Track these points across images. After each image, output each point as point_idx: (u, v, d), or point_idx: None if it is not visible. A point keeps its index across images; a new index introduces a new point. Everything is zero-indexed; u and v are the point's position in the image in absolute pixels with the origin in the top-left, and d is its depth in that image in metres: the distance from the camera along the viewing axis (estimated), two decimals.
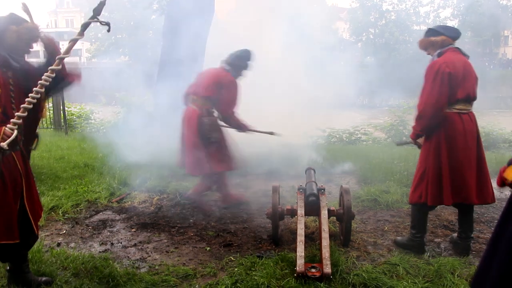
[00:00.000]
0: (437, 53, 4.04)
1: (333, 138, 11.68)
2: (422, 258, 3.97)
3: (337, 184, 6.28)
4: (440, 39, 4.03)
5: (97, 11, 2.97)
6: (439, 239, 4.52)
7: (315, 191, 4.23)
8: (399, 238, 4.41)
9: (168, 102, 8.42)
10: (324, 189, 4.29)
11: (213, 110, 5.36)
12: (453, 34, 4.05)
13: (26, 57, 3.14)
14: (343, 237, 4.32)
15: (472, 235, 4.21)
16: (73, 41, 3.03)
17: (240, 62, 5.38)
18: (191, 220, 5.03)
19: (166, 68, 8.71)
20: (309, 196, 4.18)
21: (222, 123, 5.43)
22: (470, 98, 3.99)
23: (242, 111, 5.56)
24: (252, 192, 6.10)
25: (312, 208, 4.17)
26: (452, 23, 33.19)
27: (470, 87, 3.95)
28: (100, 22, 2.97)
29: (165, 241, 4.46)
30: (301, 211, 4.06)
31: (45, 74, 2.89)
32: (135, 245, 4.35)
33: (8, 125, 2.81)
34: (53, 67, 2.91)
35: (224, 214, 5.26)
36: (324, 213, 4.03)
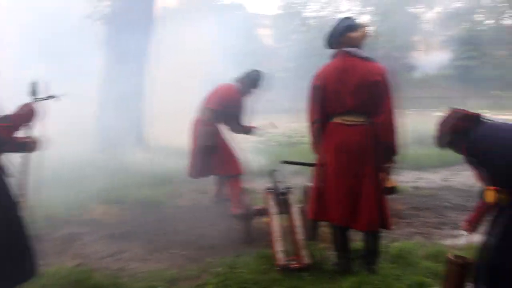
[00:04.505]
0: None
1: (273, 142, 12.02)
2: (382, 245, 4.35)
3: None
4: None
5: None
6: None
7: (284, 190, 4.50)
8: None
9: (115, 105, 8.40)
10: (291, 188, 4.57)
11: (215, 121, 5.59)
12: (327, 40, 3.65)
13: None
14: (309, 231, 4.60)
15: (374, 266, 3.69)
16: None
17: (250, 81, 5.66)
18: (160, 228, 5.13)
19: (111, 74, 8.69)
20: (279, 195, 4.43)
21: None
22: (353, 110, 3.49)
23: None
24: (211, 196, 6.27)
25: (282, 206, 4.43)
26: (370, 29, 35.00)
27: (344, 98, 3.47)
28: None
29: (139, 249, 4.53)
30: (273, 209, 4.32)
31: None
32: (110, 255, 4.39)
33: None
34: None
35: (189, 219, 5.41)
36: (295, 210, 4.31)
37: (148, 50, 9.54)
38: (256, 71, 5.77)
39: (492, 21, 36.21)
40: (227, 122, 5.76)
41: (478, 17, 36.33)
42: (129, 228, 5.17)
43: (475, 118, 2.79)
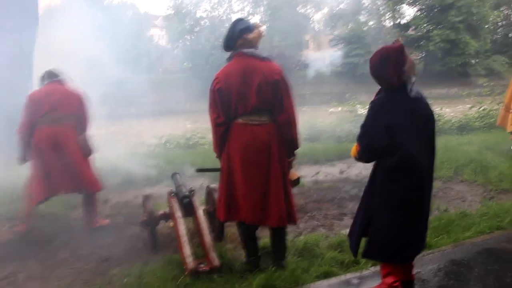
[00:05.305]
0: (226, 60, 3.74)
1: (171, 144, 11.83)
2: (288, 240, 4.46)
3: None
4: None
5: None
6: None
7: (188, 193, 4.44)
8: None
9: None
10: (194, 191, 4.53)
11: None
12: (223, 42, 3.71)
13: None
14: (216, 232, 4.59)
15: (283, 261, 3.82)
16: None
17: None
18: (58, 242, 4.78)
19: None
20: (183, 199, 4.36)
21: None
22: (258, 110, 3.54)
23: None
24: (112, 205, 6.01)
25: (187, 210, 4.37)
26: (262, 28, 36.13)
27: (248, 99, 3.50)
28: None
29: (37, 267, 4.19)
30: (178, 213, 4.24)
31: None
32: (3, 278, 4.00)
33: None
34: None
35: (90, 230, 5.10)
36: (200, 212, 4.28)
37: (32, 52, 8.88)
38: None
39: (373, 22, 38.97)
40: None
41: (361, 18, 38.85)
42: (23, 245, 4.76)
43: (399, 86, 2.93)
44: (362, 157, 3.11)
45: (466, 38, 33.96)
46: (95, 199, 5.23)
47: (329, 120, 12.33)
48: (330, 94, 27.79)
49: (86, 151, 5.11)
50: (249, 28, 3.65)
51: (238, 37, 3.59)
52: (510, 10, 41.22)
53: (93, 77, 9.95)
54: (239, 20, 3.74)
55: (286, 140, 3.66)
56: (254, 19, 35.50)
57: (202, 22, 35.23)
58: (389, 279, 3.13)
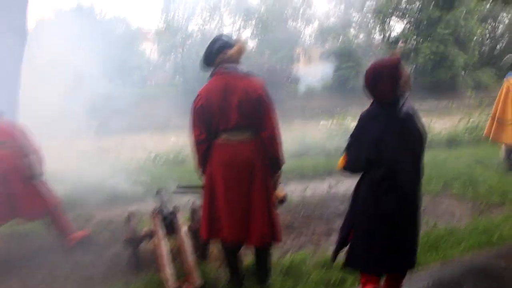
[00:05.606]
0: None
1: (160, 159, 11.67)
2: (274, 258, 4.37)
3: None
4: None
5: None
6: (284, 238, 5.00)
7: (171, 211, 4.35)
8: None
9: None
10: (178, 208, 4.43)
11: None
12: (203, 59, 3.67)
13: None
14: (200, 251, 4.49)
15: (267, 281, 3.78)
16: None
17: None
18: (39, 260, 4.66)
19: None
20: (166, 217, 4.27)
21: None
22: (240, 127, 3.48)
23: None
24: (96, 222, 5.88)
25: (171, 227, 4.27)
26: (253, 42, 36.65)
27: (229, 116, 3.44)
28: None
29: (16, 287, 4.07)
30: (162, 231, 4.14)
31: None
32: None
33: None
34: None
35: (72, 248, 4.96)
36: (184, 230, 4.18)
37: (19, 70, 8.77)
38: None
39: (363, 36, 39.35)
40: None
41: (351, 32, 39.23)
42: (3, 263, 4.64)
43: (392, 101, 2.90)
44: (348, 168, 3.08)
45: (454, 51, 34.31)
46: (57, 216, 5.00)
47: (319, 134, 12.26)
48: (320, 108, 27.85)
49: (29, 174, 4.83)
50: (229, 44, 3.58)
51: (217, 54, 3.54)
52: (496, 23, 41.83)
53: (84, 91, 9.87)
54: (219, 38, 3.66)
55: (270, 157, 3.58)
56: (245, 33, 35.70)
57: (194, 36, 35.32)
58: (368, 287, 3.06)
